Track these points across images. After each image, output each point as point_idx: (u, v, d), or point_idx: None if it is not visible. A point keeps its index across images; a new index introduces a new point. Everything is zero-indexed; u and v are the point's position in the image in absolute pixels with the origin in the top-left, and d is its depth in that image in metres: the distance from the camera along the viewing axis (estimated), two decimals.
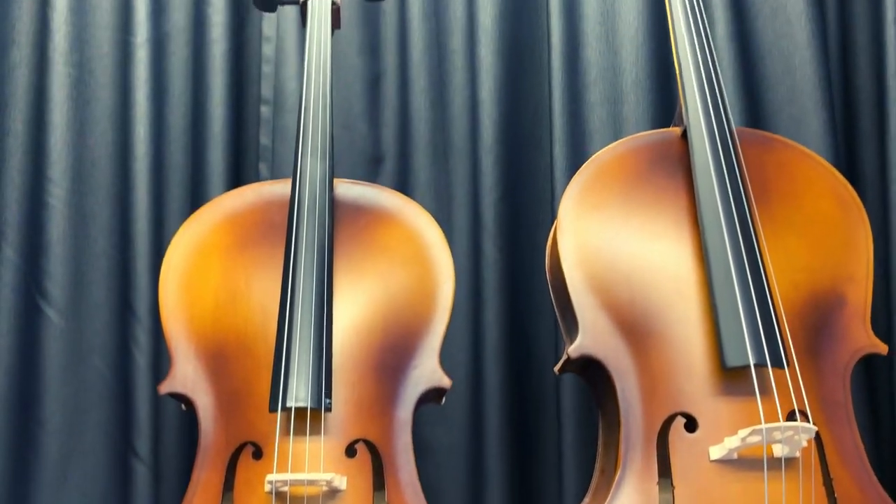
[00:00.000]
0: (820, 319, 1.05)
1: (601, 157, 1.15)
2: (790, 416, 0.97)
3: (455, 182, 1.79)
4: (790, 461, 0.92)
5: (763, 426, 0.89)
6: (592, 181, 1.12)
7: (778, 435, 0.89)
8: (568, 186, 1.13)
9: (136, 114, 1.70)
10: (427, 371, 1.05)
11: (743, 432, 0.90)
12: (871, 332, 1.05)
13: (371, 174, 1.84)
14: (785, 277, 1.05)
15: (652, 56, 1.76)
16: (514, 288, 1.76)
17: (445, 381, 1.05)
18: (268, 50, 1.79)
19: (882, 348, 1.05)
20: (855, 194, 1.13)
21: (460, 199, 1.78)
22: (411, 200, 1.19)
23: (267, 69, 1.79)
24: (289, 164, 1.75)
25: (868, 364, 1.61)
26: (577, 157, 1.74)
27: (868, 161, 1.82)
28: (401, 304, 1.08)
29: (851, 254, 1.08)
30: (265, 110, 1.79)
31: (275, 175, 1.77)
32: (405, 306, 1.08)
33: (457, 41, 1.82)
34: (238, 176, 1.79)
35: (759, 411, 0.94)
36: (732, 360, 0.95)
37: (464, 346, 1.72)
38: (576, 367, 1.07)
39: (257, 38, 1.82)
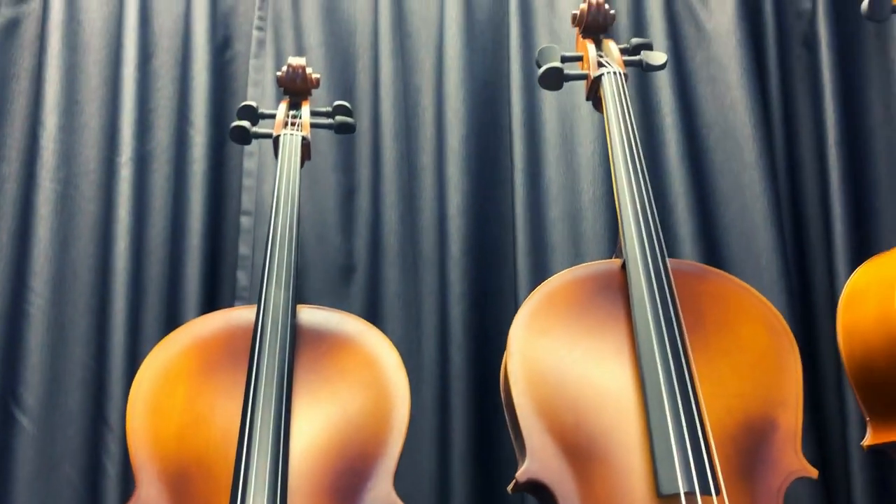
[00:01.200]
0: (753, 444, 1.11)
1: (549, 286, 1.22)
2: None
3: (424, 292, 1.87)
4: None
5: None
6: (541, 308, 1.19)
7: None
8: (518, 313, 1.20)
9: (117, 229, 1.79)
10: (382, 494, 1.09)
11: None
12: (801, 457, 1.11)
13: (343, 283, 1.92)
14: (719, 403, 1.12)
15: (608, 176, 1.87)
16: (481, 396, 1.81)
17: (397, 501, 1.09)
18: (250, 164, 1.90)
19: (812, 473, 1.10)
20: (785, 323, 1.20)
21: (429, 308, 1.86)
22: (372, 326, 1.25)
23: (248, 182, 1.89)
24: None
25: (827, 486, 1.67)
26: (539, 270, 1.83)
27: (818, 272, 1.92)
28: (357, 427, 1.13)
29: (782, 380, 1.15)
30: (245, 221, 1.87)
31: (253, 283, 1.85)
32: (361, 429, 1.13)
33: (427, 159, 1.93)
34: (214, 286, 1.86)
35: None
36: (665, 488, 1.00)
37: (431, 455, 1.76)
38: (526, 488, 1.12)
39: (238, 154, 1.92)
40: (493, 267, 1.88)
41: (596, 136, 1.89)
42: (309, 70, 1.49)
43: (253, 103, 1.47)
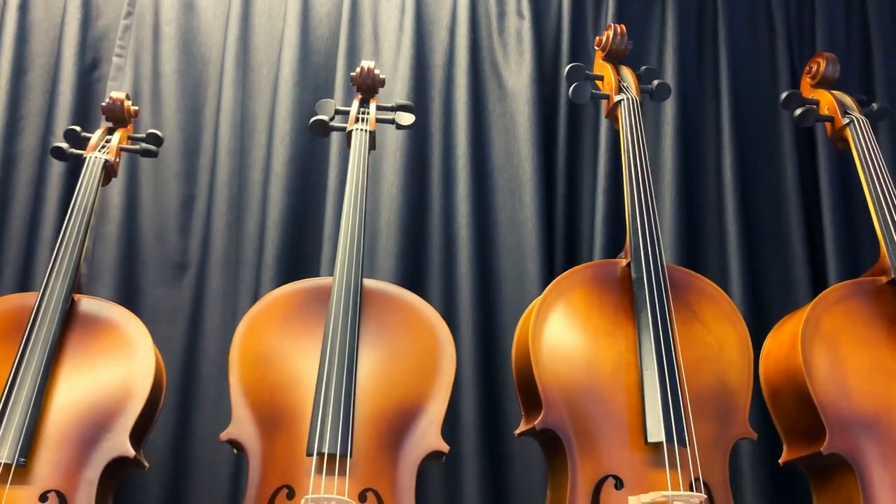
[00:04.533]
0: (404, 423, 1.46)
1: (273, 295, 1.58)
2: (361, 496, 1.38)
3: (241, 290, 2.21)
4: None
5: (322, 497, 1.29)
6: (261, 312, 1.54)
7: None
8: (246, 313, 1.55)
9: None
10: (117, 443, 1.43)
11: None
12: (440, 436, 1.46)
13: (177, 278, 2.25)
14: (382, 390, 1.47)
15: (403, 203, 2.22)
16: None
17: (129, 451, 1.43)
18: None
19: (444, 448, 1.45)
20: (450, 336, 1.56)
21: (244, 304, 2.19)
22: (132, 315, 1.58)
23: None
24: (105, 264, 2.17)
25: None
26: None
27: None
28: (105, 393, 1.47)
29: (438, 378, 1.50)
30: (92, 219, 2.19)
31: (91, 272, 2.17)
32: (108, 395, 1.46)
33: (257, 177, 2.27)
34: None
35: (333, 488, 1.35)
36: (310, 450, 1.36)
37: None
38: (231, 444, 1.46)
39: None
40: (301, 274, 2.21)
41: (396, 170, 2.24)
42: (128, 103, 1.81)
43: (77, 128, 1.79)
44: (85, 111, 2.25)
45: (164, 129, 2.28)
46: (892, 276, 1.66)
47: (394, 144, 2.25)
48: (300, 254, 2.23)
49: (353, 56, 2.31)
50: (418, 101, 2.31)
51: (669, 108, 2.35)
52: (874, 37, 2.47)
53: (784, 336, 1.71)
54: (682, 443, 1.38)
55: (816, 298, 1.67)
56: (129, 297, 2.17)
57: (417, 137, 2.29)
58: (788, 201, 2.35)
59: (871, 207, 1.77)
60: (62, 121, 2.20)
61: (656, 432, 1.38)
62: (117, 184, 2.23)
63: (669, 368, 1.43)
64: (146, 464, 1.52)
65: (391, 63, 2.33)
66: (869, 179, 1.78)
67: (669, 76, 2.37)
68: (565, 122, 2.36)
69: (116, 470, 1.47)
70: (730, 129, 2.36)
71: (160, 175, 2.27)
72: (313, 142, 2.29)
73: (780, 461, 1.62)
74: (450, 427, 2.12)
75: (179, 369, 2.16)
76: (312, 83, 2.31)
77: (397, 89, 2.29)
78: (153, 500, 2.05)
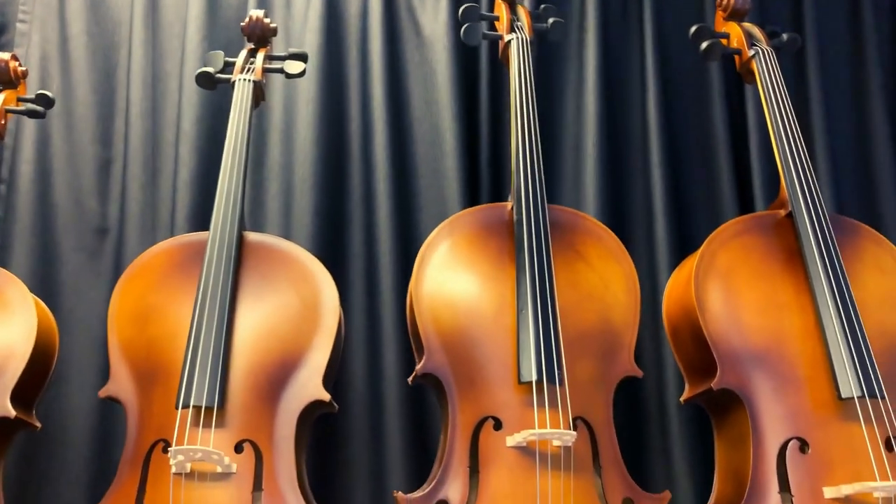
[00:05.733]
0: (284, 375, 1.45)
1: (151, 251, 1.56)
2: (238, 447, 1.37)
3: None
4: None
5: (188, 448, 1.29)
6: (137, 270, 1.53)
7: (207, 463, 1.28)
8: (123, 272, 1.54)
9: None
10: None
11: (176, 456, 1.29)
12: (321, 386, 1.44)
13: (98, 243, 2.22)
14: (262, 343, 1.46)
15: (317, 160, 2.18)
16: None
17: (10, 412, 1.41)
18: (8, 139, 2.19)
19: (325, 397, 1.44)
20: (331, 283, 1.53)
21: None
22: (12, 276, 1.56)
23: (6, 154, 2.18)
24: (17, 234, 2.15)
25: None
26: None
27: None
28: None
29: (318, 328, 1.48)
30: (1, 188, 2.17)
31: (2, 241, 2.15)
32: None
33: (170, 136, 2.23)
34: None
35: (201, 439, 1.34)
36: (177, 402, 1.35)
37: None
38: (110, 399, 1.46)
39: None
40: None
41: (309, 123, 2.20)
42: (14, 64, 1.78)
43: None
44: None
45: (77, 93, 2.24)
46: (790, 209, 1.64)
47: (306, 96, 2.21)
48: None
49: (263, 9, 2.25)
50: (333, 52, 2.26)
51: (591, 50, 2.30)
52: None
53: (682, 274, 1.69)
54: (552, 381, 1.36)
55: (712, 234, 1.64)
56: (46, 264, 2.15)
57: (333, 90, 2.25)
58: (717, 141, 2.31)
59: (773, 139, 1.73)
60: None
61: (528, 372, 1.36)
62: (27, 151, 2.20)
63: (543, 308, 1.41)
64: (37, 424, 1.51)
65: (302, 14, 2.28)
66: (771, 111, 1.75)
67: (591, 17, 2.31)
68: (487, 68, 2.31)
69: (2, 431, 1.47)
70: (654, 70, 2.31)
71: (75, 140, 2.24)
72: (224, 100, 2.24)
73: (681, 399, 1.61)
74: (373, 379, 2.13)
75: (103, 334, 2.14)
76: (223, 38, 2.26)
77: (308, 40, 2.24)
78: (81, 462, 2.05)
